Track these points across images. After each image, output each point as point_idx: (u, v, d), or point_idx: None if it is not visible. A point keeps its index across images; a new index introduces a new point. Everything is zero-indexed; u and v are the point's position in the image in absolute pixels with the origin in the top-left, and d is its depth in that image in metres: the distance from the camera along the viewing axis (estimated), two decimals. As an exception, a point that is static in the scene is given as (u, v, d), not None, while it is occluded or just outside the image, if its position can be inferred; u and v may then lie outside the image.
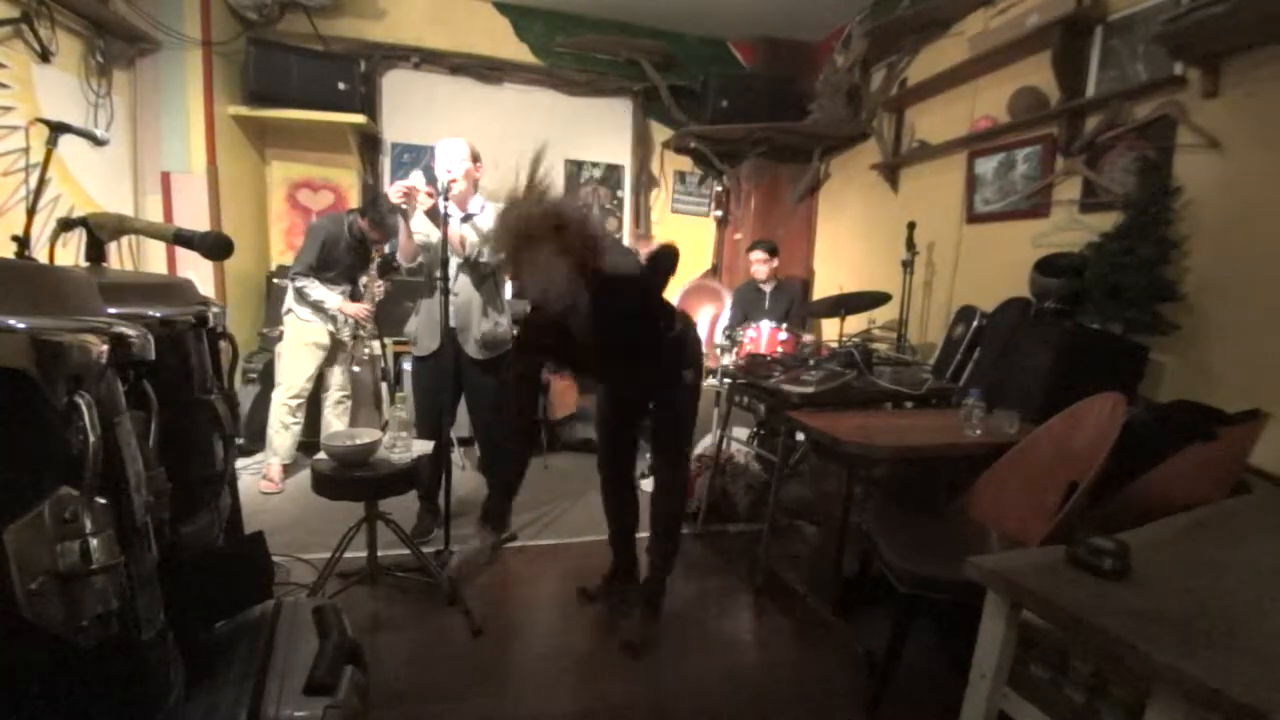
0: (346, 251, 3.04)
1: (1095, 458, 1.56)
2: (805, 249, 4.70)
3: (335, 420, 3.26)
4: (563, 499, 3.07)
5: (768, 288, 3.82)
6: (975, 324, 2.84)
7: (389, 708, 1.65)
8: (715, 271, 4.78)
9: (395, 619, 2.06)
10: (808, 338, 3.70)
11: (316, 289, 2.97)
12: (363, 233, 3.03)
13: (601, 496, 2.25)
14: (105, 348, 0.61)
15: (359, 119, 3.79)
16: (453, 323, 2.33)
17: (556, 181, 1.76)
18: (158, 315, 0.93)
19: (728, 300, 4.18)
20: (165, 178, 3.33)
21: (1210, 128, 2.18)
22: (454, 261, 2.32)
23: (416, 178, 2.28)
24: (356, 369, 3.43)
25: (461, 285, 2.46)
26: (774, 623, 2.16)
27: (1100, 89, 2.56)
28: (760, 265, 3.78)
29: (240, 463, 3.24)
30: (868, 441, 1.87)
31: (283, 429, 3.12)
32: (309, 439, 3.26)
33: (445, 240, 2.22)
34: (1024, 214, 2.95)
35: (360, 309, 3.09)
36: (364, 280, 3.18)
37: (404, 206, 2.30)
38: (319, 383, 3.25)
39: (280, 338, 3.49)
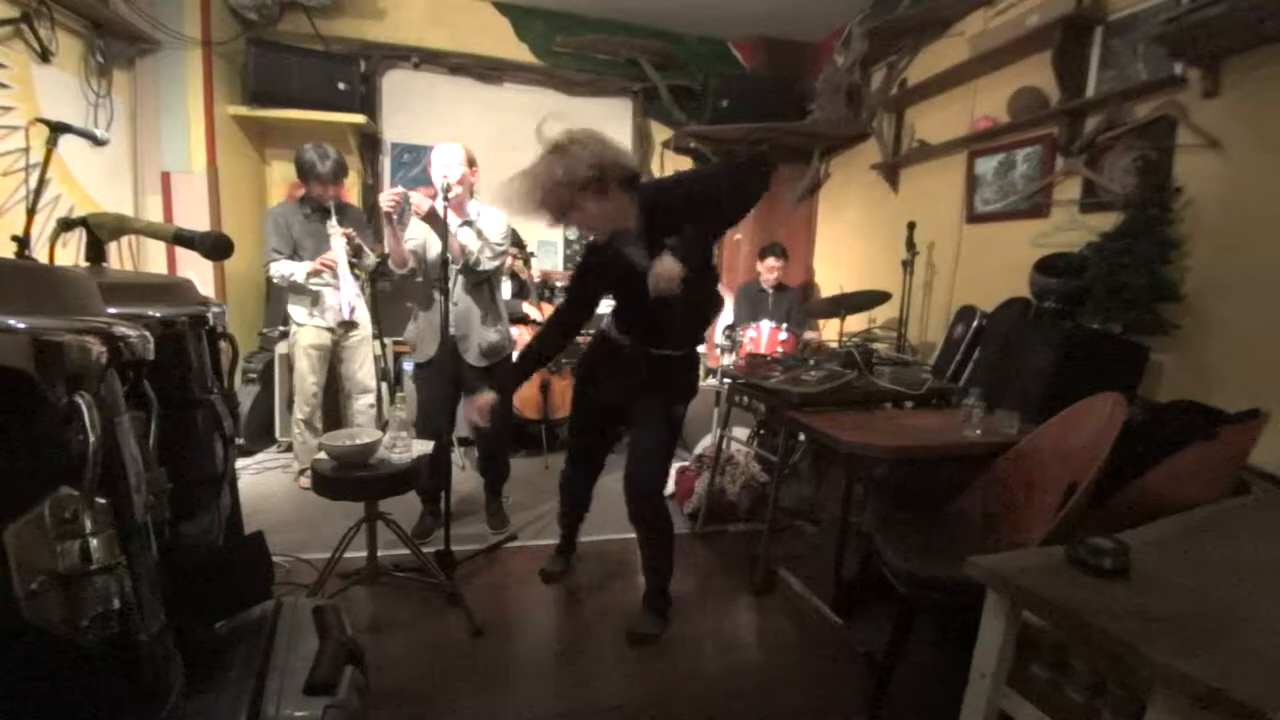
0: (306, 223, 2.98)
1: (1095, 458, 1.56)
2: (805, 249, 4.70)
3: (358, 423, 3.19)
4: (563, 499, 3.06)
5: (771, 289, 3.84)
6: (975, 324, 2.84)
7: (389, 708, 1.65)
8: (715, 271, 4.78)
9: (395, 619, 2.06)
10: (809, 335, 3.70)
11: (283, 265, 2.92)
12: (307, 197, 2.96)
13: (561, 478, 2.29)
14: (105, 348, 0.61)
15: (359, 119, 3.80)
16: (453, 330, 2.32)
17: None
18: (158, 315, 0.93)
19: (728, 300, 4.19)
20: (165, 178, 3.33)
21: (1210, 128, 2.18)
22: (452, 267, 2.31)
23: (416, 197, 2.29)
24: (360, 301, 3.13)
25: (459, 292, 2.45)
26: (774, 623, 2.16)
27: (1100, 89, 2.57)
28: (773, 272, 3.81)
29: (240, 463, 3.24)
30: (868, 441, 1.87)
31: (298, 439, 3.12)
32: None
33: (446, 245, 2.21)
34: (1024, 214, 2.95)
35: (322, 258, 2.94)
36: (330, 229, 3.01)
37: (394, 215, 2.28)
38: (338, 383, 3.21)
39: (280, 338, 3.50)
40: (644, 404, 1.98)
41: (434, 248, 2.39)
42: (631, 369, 1.96)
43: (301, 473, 3.14)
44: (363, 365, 3.19)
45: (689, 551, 2.61)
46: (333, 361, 3.15)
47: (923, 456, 1.97)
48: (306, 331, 3.01)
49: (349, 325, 3.09)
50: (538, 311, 3.84)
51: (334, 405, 3.28)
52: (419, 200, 2.23)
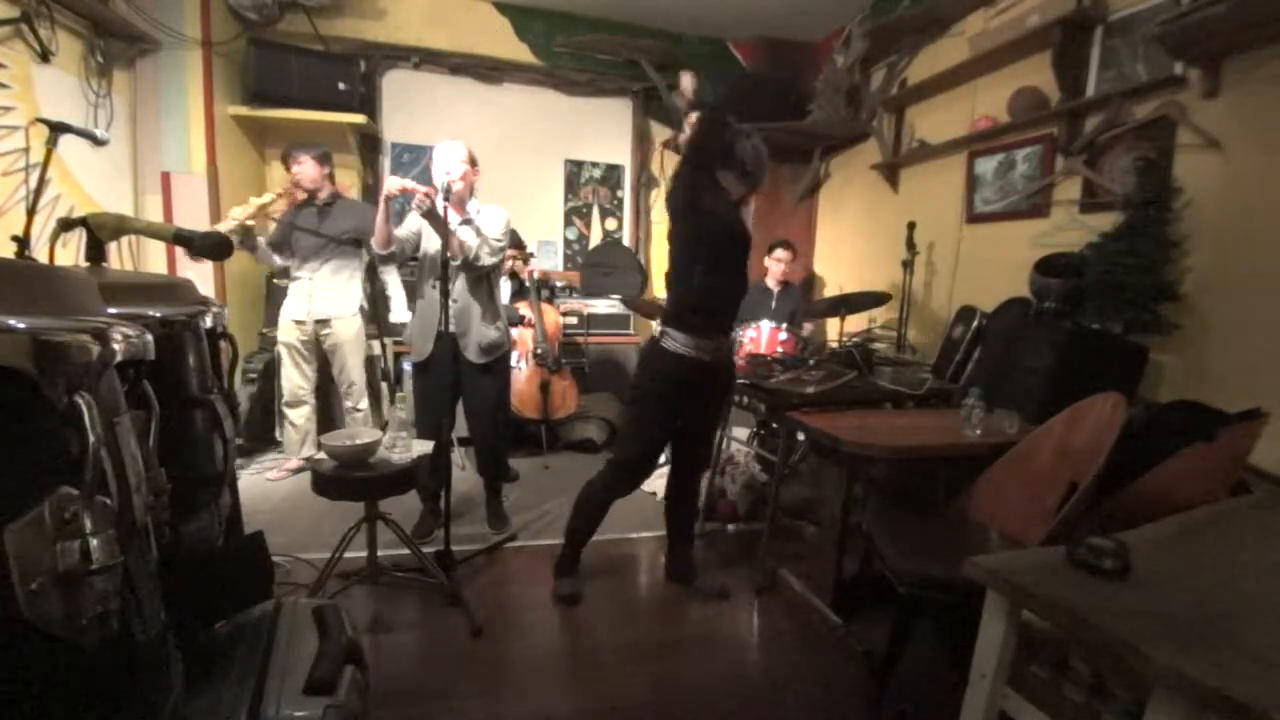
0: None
1: (1095, 458, 1.56)
2: (805, 249, 4.69)
3: (346, 423, 3.28)
4: (563, 499, 3.06)
5: (775, 289, 3.81)
6: (975, 324, 2.83)
7: (389, 708, 1.65)
8: (715, 271, 4.77)
9: (395, 619, 2.06)
10: (808, 327, 3.69)
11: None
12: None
13: (604, 496, 2.21)
14: (105, 348, 0.61)
15: (359, 119, 3.80)
16: (452, 326, 2.33)
17: None
18: (157, 315, 0.93)
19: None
20: (165, 178, 3.33)
21: (1210, 128, 2.18)
22: (452, 266, 2.32)
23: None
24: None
25: (459, 290, 2.46)
26: (774, 623, 2.16)
27: (1100, 89, 2.56)
28: (780, 264, 3.74)
29: (240, 463, 3.24)
30: (868, 441, 1.87)
31: (288, 427, 3.21)
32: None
33: (446, 242, 2.21)
34: (1024, 214, 2.95)
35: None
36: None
37: (394, 201, 2.30)
38: (330, 382, 3.28)
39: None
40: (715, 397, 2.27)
41: (429, 240, 2.43)
42: (721, 374, 2.18)
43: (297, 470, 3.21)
44: (344, 367, 3.21)
45: (689, 551, 2.61)
46: (321, 362, 3.23)
47: (923, 456, 1.97)
48: (282, 326, 3.14)
49: (321, 323, 3.14)
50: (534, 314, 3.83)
51: (327, 406, 3.34)
52: (422, 198, 2.24)
